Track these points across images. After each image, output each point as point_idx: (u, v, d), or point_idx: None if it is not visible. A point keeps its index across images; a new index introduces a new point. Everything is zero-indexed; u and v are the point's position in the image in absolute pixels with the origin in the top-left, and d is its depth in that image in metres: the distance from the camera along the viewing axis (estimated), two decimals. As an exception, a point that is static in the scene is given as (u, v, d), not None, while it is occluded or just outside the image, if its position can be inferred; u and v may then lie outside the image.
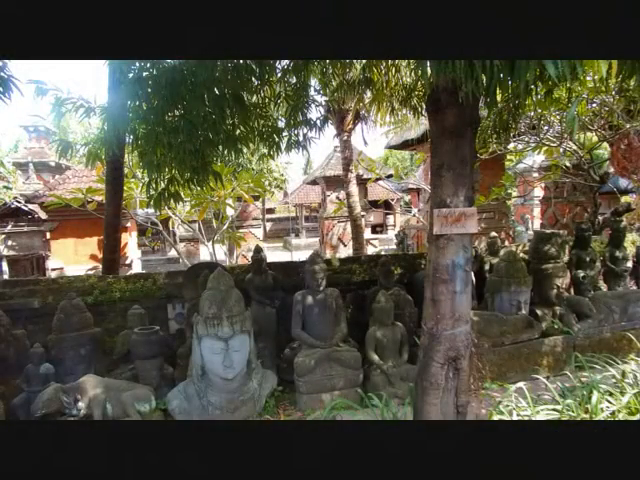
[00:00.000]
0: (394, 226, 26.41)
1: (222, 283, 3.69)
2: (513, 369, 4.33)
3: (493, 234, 6.57)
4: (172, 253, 17.01)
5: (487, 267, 6.17)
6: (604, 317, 4.88)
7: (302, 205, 29.11)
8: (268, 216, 32.87)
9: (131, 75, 2.97)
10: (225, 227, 9.71)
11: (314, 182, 20.14)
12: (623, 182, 13.21)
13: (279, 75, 3.47)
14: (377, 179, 17.70)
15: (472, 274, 5.44)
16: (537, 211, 15.99)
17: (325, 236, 15.37)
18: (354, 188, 9.35)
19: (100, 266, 7.53)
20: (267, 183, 22.16)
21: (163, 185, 3.53)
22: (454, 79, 2.16)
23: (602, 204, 10.59)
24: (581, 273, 5.64)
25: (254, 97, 3.62)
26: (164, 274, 5.62)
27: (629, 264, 6.23)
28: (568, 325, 4.73)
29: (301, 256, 13.26)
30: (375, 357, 4.14)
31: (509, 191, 13.61)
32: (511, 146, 8.82)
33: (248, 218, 15.30)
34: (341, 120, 8.94)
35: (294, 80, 3.59)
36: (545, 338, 4.50)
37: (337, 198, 15.37)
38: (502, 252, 6.02)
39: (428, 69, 2.13)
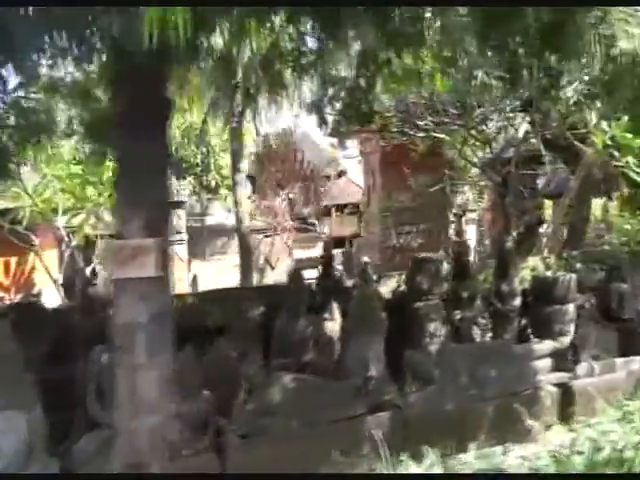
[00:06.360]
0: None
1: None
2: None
3: (365, 260, 5.61)
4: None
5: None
6: (448, 383, 3.86)
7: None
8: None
9: None
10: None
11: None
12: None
13: None
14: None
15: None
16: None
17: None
18: None
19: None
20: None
21: None
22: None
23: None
24: (457, 315, 4.81)
25: None
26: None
27: (517, 301, 4.89)
28: (403, 395, 3.73)
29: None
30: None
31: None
32: None
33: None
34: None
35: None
36: (370, 415, 3.46)
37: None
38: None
39: None
